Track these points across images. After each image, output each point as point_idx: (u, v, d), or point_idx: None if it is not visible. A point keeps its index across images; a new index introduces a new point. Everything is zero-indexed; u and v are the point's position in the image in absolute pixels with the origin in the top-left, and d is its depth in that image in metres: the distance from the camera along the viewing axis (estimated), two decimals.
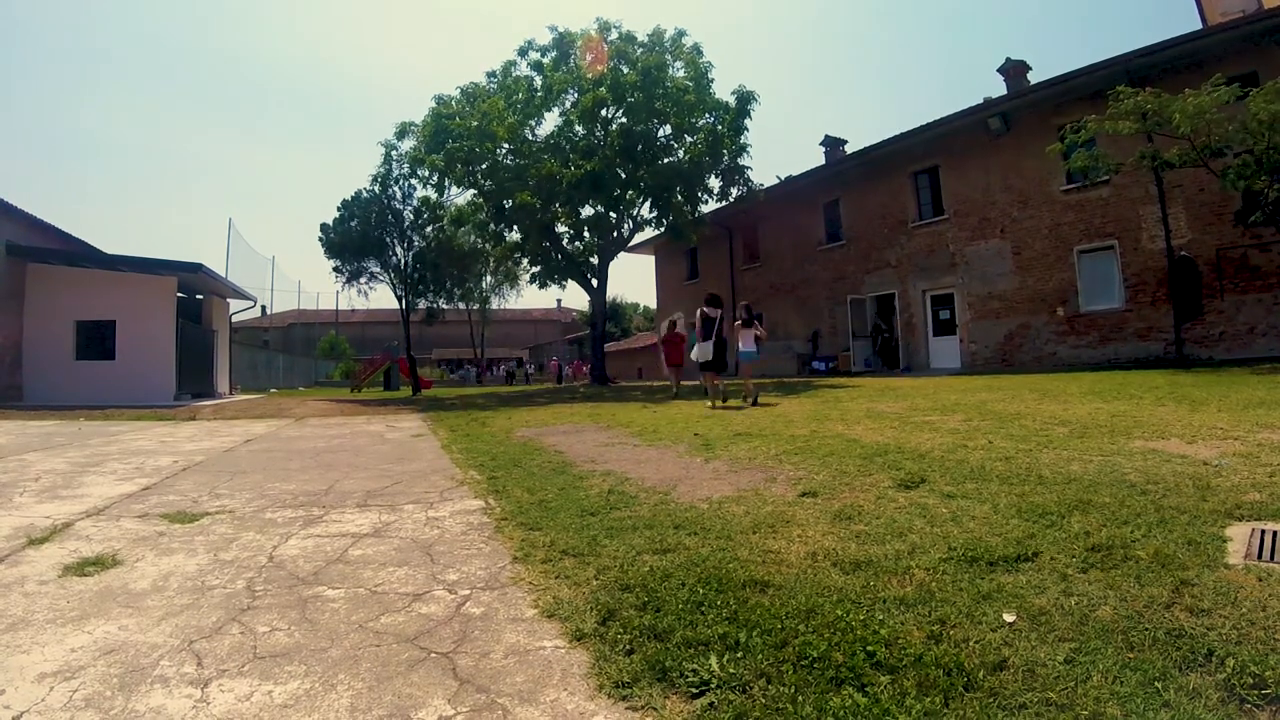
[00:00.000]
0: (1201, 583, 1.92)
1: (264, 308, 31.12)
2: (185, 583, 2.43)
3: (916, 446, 4.57)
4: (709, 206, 20.06)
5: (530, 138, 19.12)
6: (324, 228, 24.28)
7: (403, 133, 19.93)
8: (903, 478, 3.53)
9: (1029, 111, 15.98)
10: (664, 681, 1.57)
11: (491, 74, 19.88)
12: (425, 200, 22.06)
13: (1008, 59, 18.52)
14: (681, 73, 18.61)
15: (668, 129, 18.56)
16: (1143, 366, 12.92)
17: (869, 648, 1.63)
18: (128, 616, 2.11)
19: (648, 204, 19.24)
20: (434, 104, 19.24)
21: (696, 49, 18.76)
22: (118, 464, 5.44)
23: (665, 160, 18.36)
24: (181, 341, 15.73)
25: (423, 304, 25.05)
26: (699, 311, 9.87)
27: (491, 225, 20.31)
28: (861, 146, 20.37)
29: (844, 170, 21.22)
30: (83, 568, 2.58)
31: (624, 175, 18.10)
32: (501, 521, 3.21)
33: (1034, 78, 17.53)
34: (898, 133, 18.86)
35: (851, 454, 4.42)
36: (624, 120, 18.08)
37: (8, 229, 14.44)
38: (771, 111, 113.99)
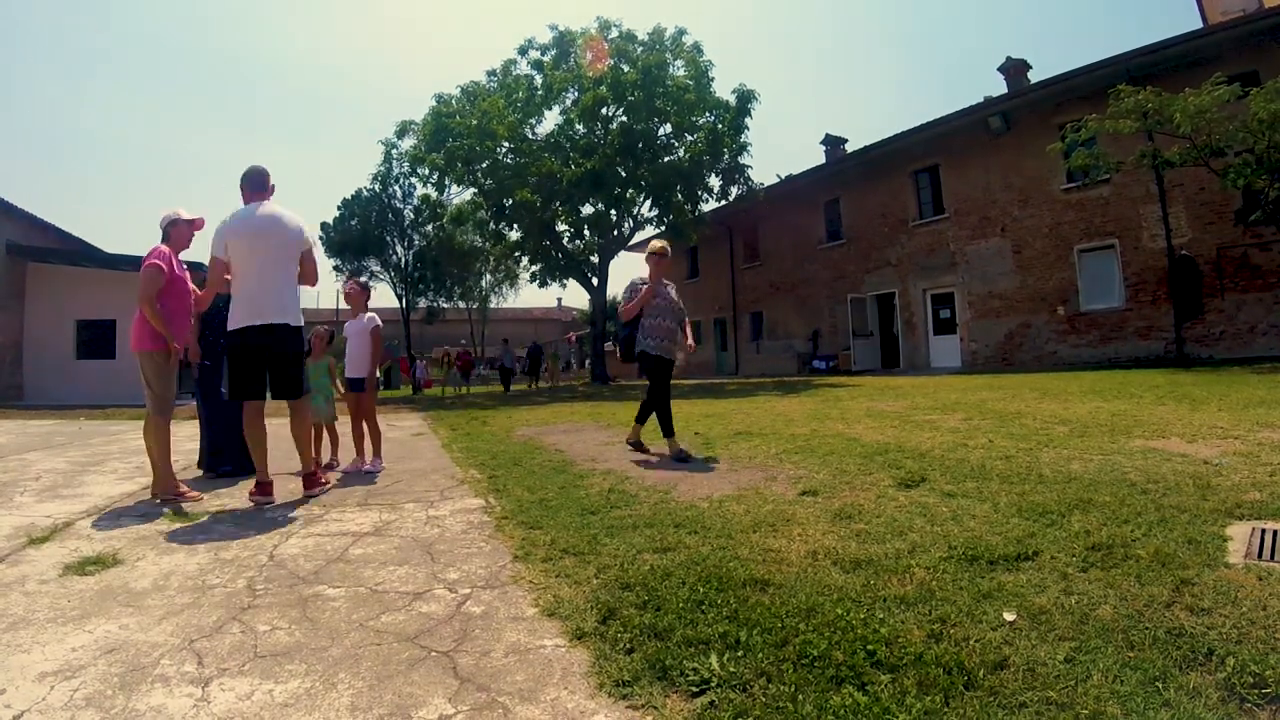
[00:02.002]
0: (1202, 582, 1.92)
1: None
2: (186, 581, 2.43)
3: (917, 445, 4.57)
4: (709, 205, 20.08)
5: (530, 136, 19.12)
6: (324, 227, 24.34)
7: (403, 132, 19.94)
8: (903, 477, 3.54)
9: (1029, 110, 15.97)
10: (664, 680, 1.57)
11: (492, 73, 19.89)
12: (425, 199, 22.07)
13: (1008, 58, 18.51)
14: (682, 71, 18.62)
15: (668, 128, 18.57)
16: (1143, 366, 12.92)
17: (869, 646, 1.63)
18: (128, 615, 2.11)
19: (648, 203, 19.25)
20: (434, 103, 19.25)
21: (697, 48, 18.77)
22: (118, 463, 5.44)
23: (665, 159, 18.37)
24: None
25: (423, 303, 25.10)
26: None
27: (492, 224, 20.33)
28: (862, 145, 20.37)
29: (844, 169, 21.22)
30: (83, 567, 2.58)
31: (624, 174, 18.10)
32: (502, 520, 3.21)
33: (1034, 77, 17.53)
34: (898, 131, 18.86)
35: (852, 453, 4.43)
36: (624, 119, 18.08)
37: (8, 229, 14.45)
38: (772, 110, 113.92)
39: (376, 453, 5.12)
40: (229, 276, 3.81)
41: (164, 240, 4.03)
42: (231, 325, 3.76)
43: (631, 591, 2.11)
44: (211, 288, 4.01)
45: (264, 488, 3.78)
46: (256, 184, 3.85)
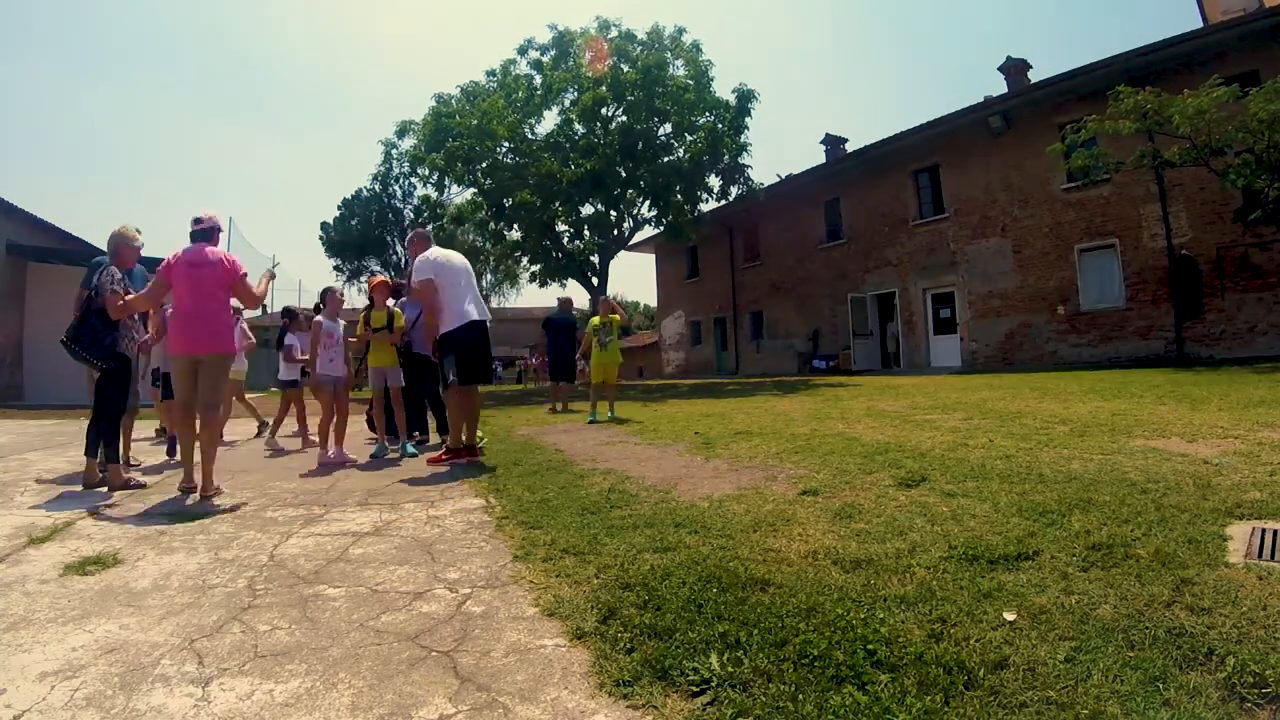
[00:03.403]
0: (1202, 581, 1.91)
1: (265, 306, 31.24)
2: (186, 581, 2.43)
3: (917, 445, 4.57)
4: (709, 205, 20.05)
5: (530, 136, 19.10)
6: (324, 226, 24.32)
7: (403, 131, 19.92)
8: (903, 476, 3.53)
9: (1030, 110, 15.97)
10: (664, 680, 1.57)
11: (491, 73, 19.88)
12: (425, 199, 22.06)
13: (1008, 57, 18.50)
14: (681, 71, 18.60)
15: (668, 128, 18.55)
16: (1143, 365, 12.92)
17: (869, 646, 1.63)
18: (129, 615, 2.11)
19: (647, 203, 19.23)
20: (434, 103, 19.23)
21: (696, 46, 18.74)
22: None
23: (665, 159, 18.34)
24: None
25: None
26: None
27: (492, 224, 20.30)
28: (862, 145, 20.37)
29: (845, 168, 21.22)
30: (83, 567, 2.59)
31: (624, 174, 18.08)
32: (502, 520, 3.21)
33: (1034, 76, 17.52)
34: (898, 131, 18.86)
35: (852, 452, 4.42)
36: (624, 119, 18.07)
37: (8, 228, 14.45)
38: (772, 109, 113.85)
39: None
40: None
41: (210, 243, 4.22)
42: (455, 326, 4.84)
43: (632, 591, 2.11)
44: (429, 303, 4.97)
45: (452, 454, 4.90)
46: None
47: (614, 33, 18.94)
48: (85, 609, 2.17)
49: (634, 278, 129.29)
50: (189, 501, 3.87)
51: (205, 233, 4.17)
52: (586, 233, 19.88)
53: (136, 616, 2.10)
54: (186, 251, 4.11)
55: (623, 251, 21.84)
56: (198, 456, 4.01)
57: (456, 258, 5.16)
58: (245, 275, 4.20)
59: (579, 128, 18.66)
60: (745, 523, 2.86)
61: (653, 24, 19.37)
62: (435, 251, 5.11)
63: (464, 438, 5.06)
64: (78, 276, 4.59)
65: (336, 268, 25.43)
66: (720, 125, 18.16)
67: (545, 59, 19.30)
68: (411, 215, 23.22)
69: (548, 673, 1.66)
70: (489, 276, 36.46)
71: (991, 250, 16.86)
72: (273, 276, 4.89)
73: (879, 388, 11.05)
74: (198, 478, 3.99)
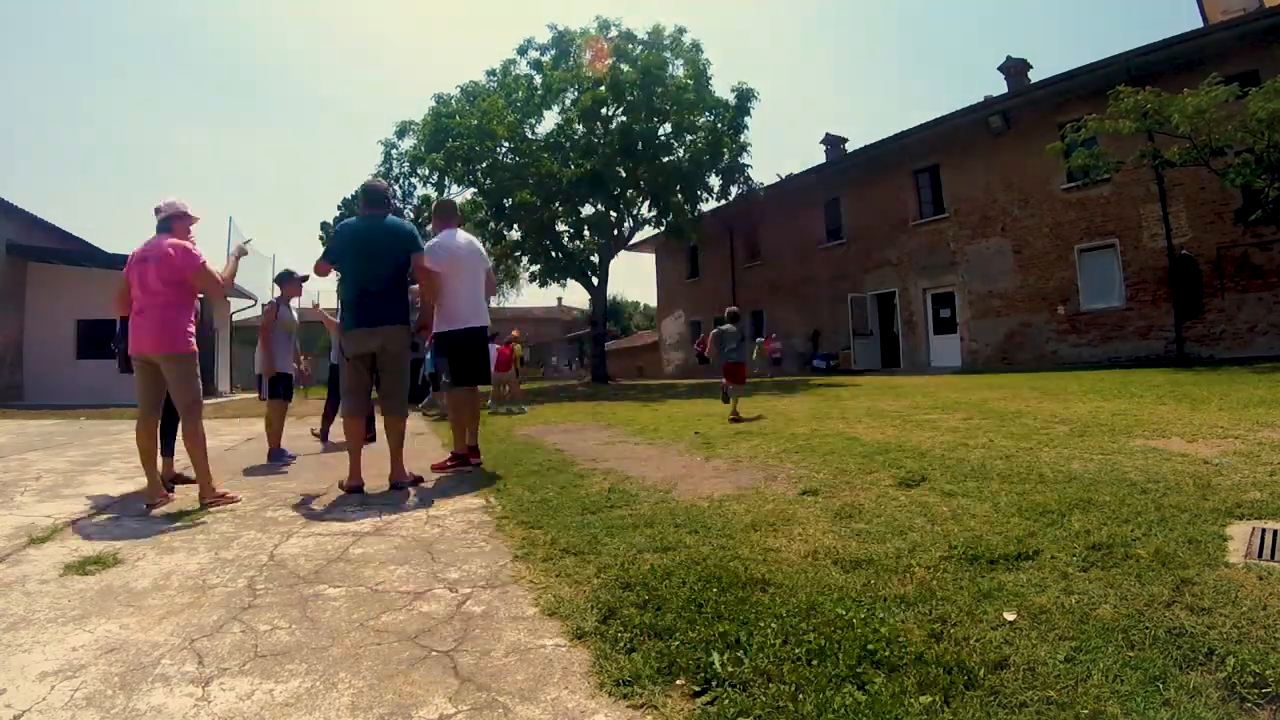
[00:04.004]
0: (1202, 581, 1.92)
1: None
2: (186, 581, 2.43)
3: (917, 445, 4.57)
4: (709, 205, 20.06)
5: (530, 136, 19.11)
6: (324, 226, 24.31)
7: (403, 131, 19.94)
8: (903, 476, 3.54)
9: (1030, 110, 15.97)
10: (665, 680, 1.57)
11: (491, 73, 19.90)
12: (425, 199, 22.07)
13: (1008, 57, 18.50)
14: (681, 71, 18.61)
15: (668, 127, 18.56)
16: (1143, 365, 12.92)
17: (869, 646, 1.63)
18: (129, 615, 2.11)
19: (647, 203, 19.24)
20: (434, 103, 19.26)
21: (696, 46, 18.76)
22: (119, 463, 5.44)
23: (665, 159, 18.35)
24: None
25: None
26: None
27: (491, 224, 20.31)
28: (862, 145, 20.38)
29: (845, 168, 21.22)
30: (84, 566, 2.58)
31: (624, 174, 18.10)
32: (502, 520, 3.21)
33: (1034, 76, 17.53)
34: (898, 131, 18.85)
35: (852, 452, 4.43)
36: (624, 119, 18.07)
37: (8, 228, 14.45)
38: (772, 108, 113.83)
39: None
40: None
41: (172, 233, 3.81)
42: (453, 327, 4.70)
43: (632, 591, 2.11)
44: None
45: (456, 459, 4.87)
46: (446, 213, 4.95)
47: (614, 32, 18.95)
48: (85, 609, 2.17)
49: (634, 278, 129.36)
50: (154, 512, 3.59)
51: (165, 223, 3.82)
52: (586, 233, 19.90)
53: (136, 616, 2.10)
54: (144, 245, 3.81)
55: (623, 251, 21.85)
56: (185, 468, 3.91)
57: (469, 250, 4.83)
58: (203, 263, 3.76)
59: (579, 128, 18.67)
60: (745, 522, 2.86)
61: (653, 24, 19.41)
62: (451, 239, 4.77)
63: (466, 440, 5.03)
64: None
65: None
66: (720, 125, 18.17)
67: (545, 59, 19.32)
68: (411, 215, 23.20)
69: (548, 672, 1.66)
70: None
71: (991, 250, 16.86)
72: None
73: (879, 387, 11.05)
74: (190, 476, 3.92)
